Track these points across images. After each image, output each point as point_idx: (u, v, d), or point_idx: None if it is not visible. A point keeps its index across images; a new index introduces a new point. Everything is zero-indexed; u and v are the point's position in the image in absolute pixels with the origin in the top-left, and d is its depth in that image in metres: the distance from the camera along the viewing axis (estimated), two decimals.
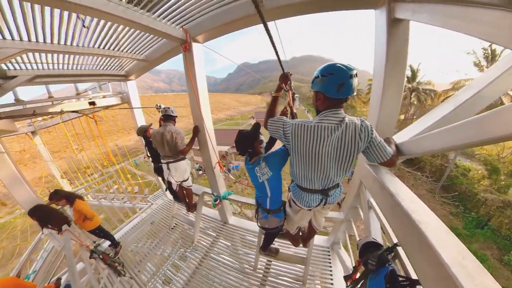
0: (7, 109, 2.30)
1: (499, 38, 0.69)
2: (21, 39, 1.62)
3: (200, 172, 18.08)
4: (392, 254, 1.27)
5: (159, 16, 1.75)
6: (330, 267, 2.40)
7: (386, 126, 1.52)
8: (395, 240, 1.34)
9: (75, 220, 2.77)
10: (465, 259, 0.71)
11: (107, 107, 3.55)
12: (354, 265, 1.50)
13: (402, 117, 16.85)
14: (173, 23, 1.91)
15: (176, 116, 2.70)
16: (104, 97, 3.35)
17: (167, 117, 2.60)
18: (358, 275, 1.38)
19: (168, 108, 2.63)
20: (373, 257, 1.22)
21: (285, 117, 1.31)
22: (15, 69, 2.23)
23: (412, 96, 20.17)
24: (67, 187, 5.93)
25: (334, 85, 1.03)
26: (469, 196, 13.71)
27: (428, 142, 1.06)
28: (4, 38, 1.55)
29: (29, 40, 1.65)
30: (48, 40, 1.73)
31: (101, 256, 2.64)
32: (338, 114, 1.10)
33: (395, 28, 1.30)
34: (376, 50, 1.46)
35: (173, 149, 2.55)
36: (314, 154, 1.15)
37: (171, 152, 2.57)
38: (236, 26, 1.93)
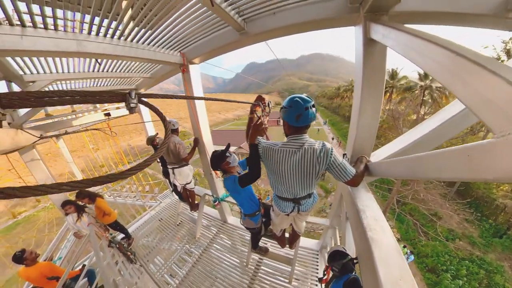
0: (41, 123, 2.77)
1: (444, 78, 0.67)
2: (51, 72, 2.01)
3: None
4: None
5: (159, 46, 2.05)
6: (317, 269, 2.57)
7: (364, 144, 1.56)
8: None
9: (96, 215, 3.23)
10: (402, 279, 0.75)
11: (120, 117, 3.98)
12: (323, 269, 1.69)
13: (414, 117, 16.20)
14: (171, 49, 2.21)
15: (178, 128, 3.05)
16: (117, 108, 3.79)
17: (174, 130, 2.96)
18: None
19: (170, 122, 2.94)
20: (337, 264, 1.40)
21: (260, 137, 1.51)
22: (45, 88, 2.63)
23: (425, 94, 19.32)
24: None
25: (293, 116, 1.22)
26: (486, 202, 12.97)
27: (389, 167, 1.15)
28: (38, 72, 1.93)
29: (57, 71, 2.05)
30: (71, 70, 2.13)
31: (117, 246, 3.17)
32: (300, 140, 1.27)
33: (372, 48, 1.29)
34: (355, 69, 1.47)
35: (177, 157, 2.91)
36: (279, 172, 1.36)
37: (175, 159, 2.95)
38: (226, 49, 2.17)
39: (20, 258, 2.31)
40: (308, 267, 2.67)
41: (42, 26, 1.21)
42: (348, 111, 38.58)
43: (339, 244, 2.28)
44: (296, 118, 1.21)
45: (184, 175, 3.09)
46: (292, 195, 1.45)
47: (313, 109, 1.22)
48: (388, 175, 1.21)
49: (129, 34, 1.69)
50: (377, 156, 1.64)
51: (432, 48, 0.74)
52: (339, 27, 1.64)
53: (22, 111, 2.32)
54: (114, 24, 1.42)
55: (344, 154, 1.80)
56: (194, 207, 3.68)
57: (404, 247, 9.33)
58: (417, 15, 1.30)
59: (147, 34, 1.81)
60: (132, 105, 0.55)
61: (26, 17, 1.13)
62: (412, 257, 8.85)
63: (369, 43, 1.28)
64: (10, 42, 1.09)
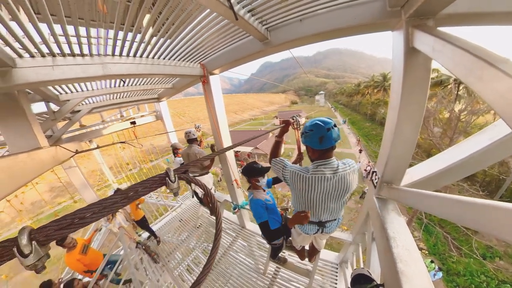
0: (75, 133, 3.03)
1: (504, 112, 0.57)
2: (82, 90, 2.18)
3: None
4: None
5: (179, 59, 2.07)
6: (336, 283, 2.46)
7: (398, 165, 1.35)
8: None
9: (131, 210, 3.59)
10: None
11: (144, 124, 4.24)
12: None
13: (447, 115, 14.65)
14: (192, 61, 2.22)
15: (197, 138, 3.13)
16: (142, 116, 4.04)
17: (191, 140, 3.05)
18: None
19: (190, 132, 3.06)
20: None
21: (285, 159, 1.46)
22: (78, 105, 2.86)
23: (460, 89, 17.33)
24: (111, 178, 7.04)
25: (316, 138, 1.19)
26: None
27: (430, 202, 0.98)
28: (71, 92, 2.11)
29: (87, 89, 2.22)
30: (100, 87, 2.28)
31: (143, 247, 3.49)
32: (330, 164, 1.24)
33: (414, 58, 1.07)
34: (393, 77, 1.27)
35: (197, 166, 3.00)
36: (309, 199, 1.30)
37: (195, 168, 3.02)
38: (248, 59, 2.09)
39: (61, 242, 2.65)
40: (326, 279, 2.56)
41: (69, 52, 1.26)
42: (370, 109, 36.37)
43: (362, 262, 2.16)
44: (319, 140, 1.19)
45: (204, 183, 3.17)
46: (318, 219, 1.42)
47: (336, 128, 1.20)
48: (426, 210, 1.02)
49: (151, 50, 1.71)
50: (410, 175, 1.43)
51: (495, 74, 0.58)
52: (373, 32, 1.45)
53: (60, 124, 2.56)
54: (138, 37, 1.43)
55: (374, 172, 1.66)
56: (214, 211, 3.78)
57: (432, 262, 8.42)
58: (468, 17, 1.08)
59: (168, 49, 1.81)
60: (174, 190, 0.52)
61: (51, 45, 1.17)
62: (440, 274, 7.92)
63: (410, 52, 1.08)
64: (43, 74, 1.15)
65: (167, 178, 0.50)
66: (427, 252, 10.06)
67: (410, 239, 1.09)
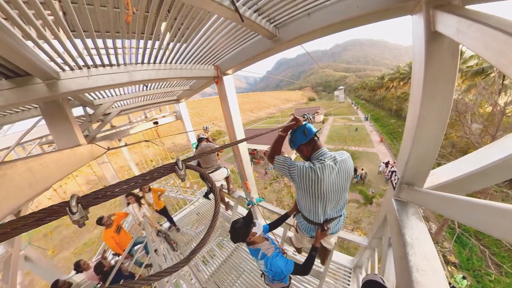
0: (106, 133, 3.40)
1: None
2: (112, 95, 2.48)
3: None
4: None
5: (194, 62, 2.20)
6: (348, 286, 2.39)
7: (421, 164, 1.22)
8: None
9: (153, 200, 3.98)
10: None
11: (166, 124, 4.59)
12: None
13: (488, 109, 12.94)
14: (206, 64, 2.34)
15: (204, 137, 3.49)
16: (164, 116, 4.40)
17: (200, 140, 3.42)
18: None
19: (199, 135, 3.50)
20: None
21: (289, 157, 1.45)
22: (109, 108, 3.21)
23: (506, 78, 15.09)
24: (137, 173, 7.75)
25: (300, 133, 1.39)
26: None
27: (459, 208, 0.86)
28: (103, 97, 2.40)
29: (116, 94, 2.52)
30: (127, 92, 2.58)
31: (163, 236, 3.85)
32: (327, 154, 1.35)
33: (437, 43, 0.94)
34: (414, 67, 1.12)
35: (209, 162, 3.25)
36: (319, 192, 1.32)
37: (209, 164, 3.27)
38: (259, 58, 2.13)
39: (99, 221, 3.22)
40: (338, 283, 2.50)
41: (100, 63, 1.45)
42: (395, 103, 33.68)
43: (377, 269, 2.05)
44: (304, 133, 1.37)
45: (216, 179, 3.38)
46: (323, 218, 1.44)
47: (310, 123, 1.47)
48: (453, 217, 0.90)
49: (169, 56, 1.85)
50: (436, 177, 1.29)
51: None
52: (389, 18, 1.34)
53: (95, 125, 2.91)
54: (156, 44, 1.56)
55: (393, 172, 1.57)
56: (226, 206, 4.06)
57: (464, 278, 7.49)
58: None
59: (184, 54, 1.94)
60: (181, 176, 0.62)
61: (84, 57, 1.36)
62: None
63: (433, 36, 0.95)
64: (81, 83, 1.39)
65: (176, 166, 0.61)
66: (458, 266, 9.02)
67: (431, 247, 1.00)
